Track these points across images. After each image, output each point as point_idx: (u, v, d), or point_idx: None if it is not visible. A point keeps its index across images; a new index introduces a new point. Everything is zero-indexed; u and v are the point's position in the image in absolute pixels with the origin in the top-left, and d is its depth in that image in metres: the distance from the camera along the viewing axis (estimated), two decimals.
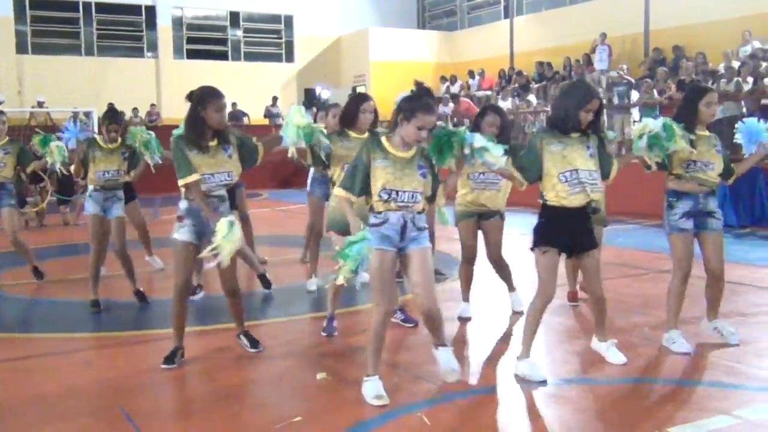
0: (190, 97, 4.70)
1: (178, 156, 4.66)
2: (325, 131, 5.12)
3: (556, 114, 4.43)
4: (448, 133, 4.14)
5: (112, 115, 6.53)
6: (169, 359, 4.76)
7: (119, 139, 6.40)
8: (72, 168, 6.62)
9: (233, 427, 3.88)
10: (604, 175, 4.49)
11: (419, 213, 4.10)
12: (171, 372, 4.66)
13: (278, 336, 5.32)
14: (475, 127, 5.45)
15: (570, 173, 4.30)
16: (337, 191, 4.17)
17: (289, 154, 4.94)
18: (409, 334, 5.46)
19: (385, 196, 4.01)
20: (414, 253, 4.09)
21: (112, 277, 7.59)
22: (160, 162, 6.39)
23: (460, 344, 5.16)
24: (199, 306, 6.47)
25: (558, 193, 4.33)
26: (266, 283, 7.04)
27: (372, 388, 4.05)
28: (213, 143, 4.72)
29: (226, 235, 4.46)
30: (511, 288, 6.06)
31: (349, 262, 3.82)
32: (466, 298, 5.94)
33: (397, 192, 4.01)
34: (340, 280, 3.85)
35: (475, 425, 3.81)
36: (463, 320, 5.79)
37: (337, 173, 5.17)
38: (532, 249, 4.46)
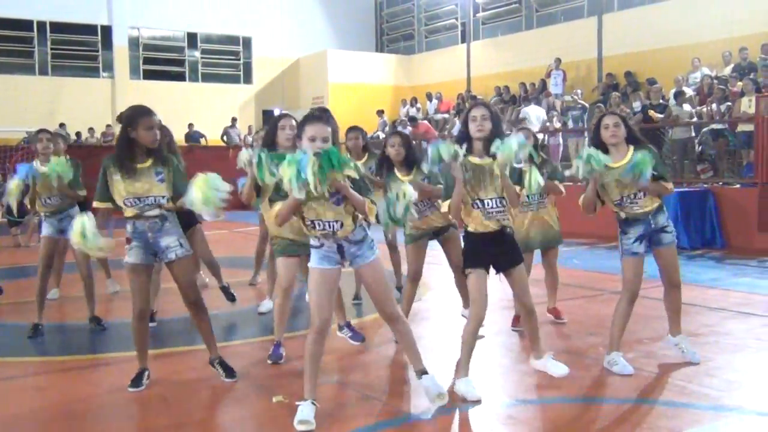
0: (120, 118, 4.53)
1: (100, 179, 4.54)
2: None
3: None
4: (330, 154, 3.80)
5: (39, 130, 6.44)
6: (136, 382, 4.66)
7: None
8: (27, 201, 6.30)
9: None
10: (509, 202, 4.40)
11: None
12: (124, 397, 4.57)
13: (234, 359, 5.25)
14: (385, 156, 5.54)
15: (478, 202, 4.35)
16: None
17: (219, 218, 4.53)
18: (358, 352, 5.45)
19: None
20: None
21: (66, 299, 7.43)
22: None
23: (404, 368, 5.13)
24: (153, 329, 6.37)
25: (473, 219, 4.39)
26: (229, 295, 7.13)
27: (299, 412, 3.93)
28: (146, 164, 4.54)
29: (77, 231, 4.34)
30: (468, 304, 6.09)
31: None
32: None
33: None
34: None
35: None
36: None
37: (264, 200, 4.89)
38: (463, 271, 4.52)
